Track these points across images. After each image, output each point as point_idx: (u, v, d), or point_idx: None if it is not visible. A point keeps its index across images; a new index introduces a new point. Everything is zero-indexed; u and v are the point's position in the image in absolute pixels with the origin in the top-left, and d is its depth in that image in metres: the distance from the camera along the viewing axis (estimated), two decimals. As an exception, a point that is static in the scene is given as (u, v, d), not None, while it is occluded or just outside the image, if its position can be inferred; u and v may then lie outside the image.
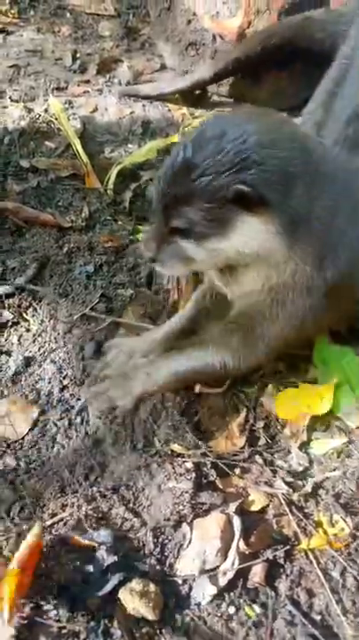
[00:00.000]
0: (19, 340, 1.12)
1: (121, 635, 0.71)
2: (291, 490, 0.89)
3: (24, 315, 1.15)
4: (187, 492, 0.85)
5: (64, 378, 1.06)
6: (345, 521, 0.85)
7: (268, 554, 0.80)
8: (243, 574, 0.79)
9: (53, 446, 0.97)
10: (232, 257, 0.88)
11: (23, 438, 0.99)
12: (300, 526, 0.85)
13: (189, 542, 0.81)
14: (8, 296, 1.16)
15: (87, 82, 1.56)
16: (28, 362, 1.09)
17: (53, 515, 0.83)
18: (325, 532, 0.85)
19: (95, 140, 1.42)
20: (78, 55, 1.64)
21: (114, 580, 0.74)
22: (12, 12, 1.79)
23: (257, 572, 0.78)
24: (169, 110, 1.53)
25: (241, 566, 0.78)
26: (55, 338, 1.11)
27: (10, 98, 1.47)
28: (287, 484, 0.90)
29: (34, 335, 1.13)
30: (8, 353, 1.11)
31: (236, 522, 0.82)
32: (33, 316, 1.15)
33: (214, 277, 0.99)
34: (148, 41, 1.74)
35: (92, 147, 1.39)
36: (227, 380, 1.01)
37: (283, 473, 0.92)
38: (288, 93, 1.48)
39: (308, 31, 1.35)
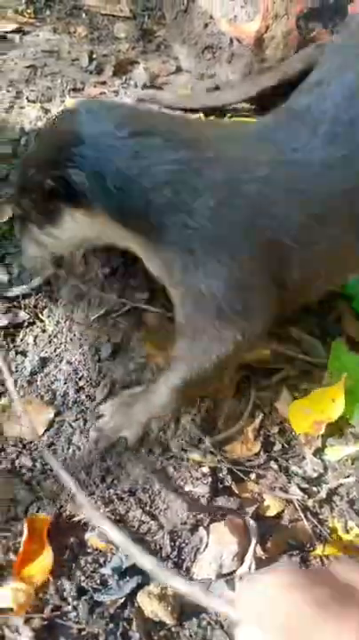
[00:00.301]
0: (34, 341, 1.13)
1: (139, 637, 0.71)
2: (305, 496, 0.90)
3: (40, 315, 1.16)
4: (203, 497, 0.86)
5: (80, 379, 1.07)
6: (359, 528, 0.86)
7: (284, 559, 0.81)
8: (259, 579, 0.79)
9: (69, 447, 0.98)
10: (77, 243, 0.93)
11: (39, 438, 1.00)
12: (315, 532, 0.85)
13: (206, 546, 0.81)
14: (24, 296, 1.17)
15: (103, 83, 1.56)
16: (44, 362, 1.10)
17: (70, 516, 0.84)
18: (340, 539, 0.85)
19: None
20: (94, 56, 1.64)
21: (132, 582, 0.74)
22: (29, 11, 1.79)
23: (273, 578, 0.79)
24: (184, 112, 1.53)
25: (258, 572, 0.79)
26: (71, 339, 1.12)
27: (27, 98, 1.48)
28: (302, 489, 0.91)
29: (49, 336, 1.13)
30: (24, 353, 1.11)
31: (253, 527, 0.82)
32: (49, 316, 1.15)
33: None
34: (164, 43, 1.74)
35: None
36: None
37: (297, 479, 0.93)
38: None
39: None
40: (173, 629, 0.74)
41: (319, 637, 0.24)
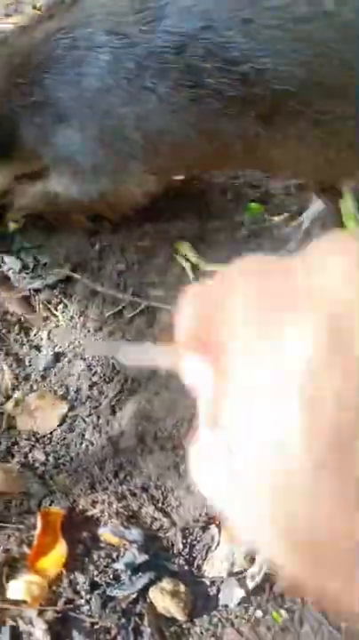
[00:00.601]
0: (48, 336, 1.14)
1: (151, 633, 0.72)
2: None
3: (54, 311, 1.17)
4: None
5: (93, 375, 1.07)
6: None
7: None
8: (269, 579, 0.79)
9: (82, 442, 0.98)
10: None
11: (52, 433, 1.01)
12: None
13: (217, 544, 0.82)
14: (39, 291, 1.18)
15: None
16: (58, 357, 1.10)
17: (84, 511, 0.84)
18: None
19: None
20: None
21: (144, 578, 0.75)
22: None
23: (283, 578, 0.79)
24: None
25: (269, 571, 0.79)
26: (85, 335, 1.12)
27: None
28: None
29: (64, 331, 1.14)
30: (37, 348, 1.12)
31: (265, 526, 0.83)
32: (63, 312, 1.16)
33: None
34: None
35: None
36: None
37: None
38: None
39: None
40: (184, 626, 0.74)
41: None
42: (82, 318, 1.14)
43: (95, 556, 0.77)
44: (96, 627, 0.71)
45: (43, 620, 0.69)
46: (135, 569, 0.76)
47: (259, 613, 0.76)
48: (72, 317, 1.15)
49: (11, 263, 1.18)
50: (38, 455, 0.97)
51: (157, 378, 1.04)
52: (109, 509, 0.84)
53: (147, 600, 0.74)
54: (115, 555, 0.78)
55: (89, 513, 0.84)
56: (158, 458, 0.93)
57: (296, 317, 0.19)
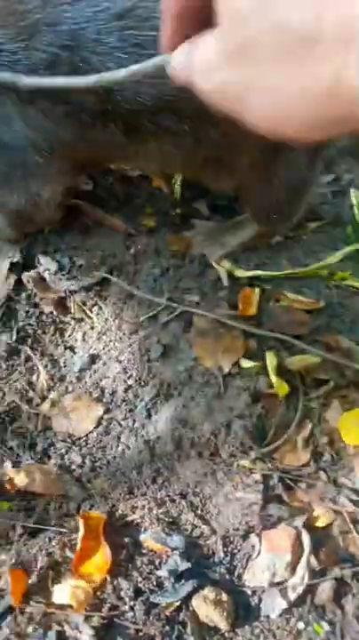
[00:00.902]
0: (83, 338, 1.14)
1: (194, 641, 0.72)
2: (356, 508, 0.89)
3: (88, 312, 1.17)
4: (255, 504, 0.86)
5: (129, 378, 1.07)
6: None
7: (336, 571, 0.81)
8: (311, 590, 0.79)
9: (118, 445, 0.98)
10: None
11: (87, 435, 1.01)
12: (366, 546, 0.85)
13: (258, 554, 0.81)
14: (74, 292, 1.18)
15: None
16: (93, 359, 1.10)
17: (123, 516, 0.84)
18: (390, 554, 0.85)
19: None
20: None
21: (188, 586, 0.75)
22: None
23: (325, 590, 0.79)
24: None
25: (310, 582, 0.79)
26: (120, 337, 1.12)
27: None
28: (352, 501, 0.91)
29: (98, 333, 1.14)
30: (72, 349, 1.12)
31: (306, 537, 0.82)
32: (97, 314, 1.16)
33: None
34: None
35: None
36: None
37: (347, 491, 0.92)
38: None
39: None
40: (227, 635, 0.74)
41: None
42: (117, 321, 1.14)
43: (138, 562, 0.77)
44: (140, 634, 0.71)
45: (90, 626, 0.69)
46: (178, 576, 0.75)
47: (300, 625, 0.76)
48: (107, 320, 1.15)
49: (47, 264, 1.18)
50: (75, 457, 0.97)
51: (193, 383, 1.04)
52: (149, 515, 0.84)
53: (190, 608, 0.74)
54: (157, 561, 0.78)
55: (129, 518, 0.84)
56: (195, 464, 0.93)
57: None
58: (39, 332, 1.14)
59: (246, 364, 1.04)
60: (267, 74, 0.24)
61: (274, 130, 0.26)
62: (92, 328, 1.16)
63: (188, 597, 0.75)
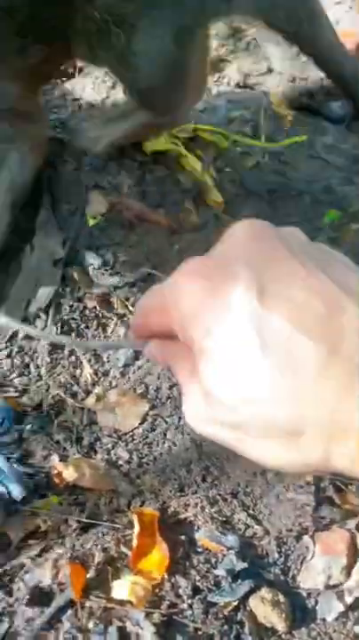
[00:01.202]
0: (126, 334, 1.13)
1: (252, 642, 0.71)
2: None
3: (131, 308, 1.16)
4: (308, 505, 0.85)
5: (173, 375, 1.07)
6: None
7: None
8: (365, 594, 0.79)
9: (164, 442, 0.98)
10: None
11: (133, 431, 1.00)
12: None
13: (312, 556, 0.81)
14: (117, 288, 1.18)
15: (196, 79, 1.56)
16: (136, 356, 1.10)
17: (176, 513, 0.84)
18: None
19: (203, 140, 1.41)
20: (186, 51, 1.64)
21: (245, 586, 0.74)
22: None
23: (380, 594, 0.78)
24: (274, 113, 1.52)
25: (367, 586, 0.78)
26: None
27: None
28: None
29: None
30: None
31: (360, 540, 0.82)
32: (140, 310, 1.16)
33: None
34: (254, 43, 1.73)
35: (201, 146, 1.39)
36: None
37: None
38: None
39: None
40: (284, 637, 0.73)
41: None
42: (160, 318, 1.14)
43: (195, 561, 0.77)
44: (199, 632, 0.70)
45: (151, 623, 0.69)
46: (235, 576, 0.75)
47: (357, 629, 0.75)
48: (150, 316, 1.15)
49: (91, 259, 1.18)
50: (121, 453, 0.97)
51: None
52: (202, 513, 0.83)
53: (248, 608, 0.74)
54: (213, 560, 0.77)
55: (182, 516, 0.83)
56: (244, 464, 0.92)
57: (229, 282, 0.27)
58: (82, 326, 1.13)
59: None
60: (257, 443, 0.27)
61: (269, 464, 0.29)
62: (135, 324, 1.16)
63: (246, 597, 0.74)
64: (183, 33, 1.01)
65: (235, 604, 0.73)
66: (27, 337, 1.11)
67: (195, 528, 0.81)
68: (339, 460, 0.26)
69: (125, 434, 1.00)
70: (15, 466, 0.87)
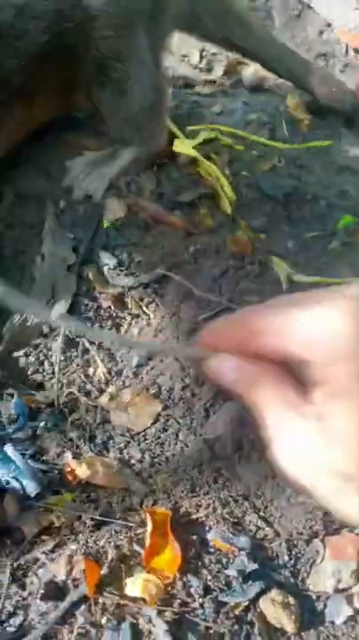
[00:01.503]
0: (139, 334, 1.15)
1: (262, 642, 0.72)
2: None
3: (145, 309, 1.17)
4: (318, 509, 0.86)
5: (186, 376, 1.08)
6: None
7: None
8: (375, 598, 0.79)
9: (176, 443, 0.99)
10: None
11: (145, 431, 1.01)
12: None
13: (322, 559, 0.82)
14: (131, 288, 1.19)
15: (213, 82, 1.57)
16: (150, 356, 1.11)
17: (188, 513, 0.85)
18: None
19: (219, 143, 1.42)
20: (204, 54, 1.65)
21: (256, 587, 0.75)
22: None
23: (389, 599, 0.79)
24: (291, 117, 1.52)
25: (376, 591, 0.79)
26: (178, 336, 1.13)
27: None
28: None
29: (155, 330, 1.15)
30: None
31: (370, 545, 0.83)
32: (154, 311, 1.17)
33: None
34: (271, 46, 1.74)
35: (216, 149, 1.40)
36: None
37: None
38: None
39: None
40: (293, 638, 0.74)
41: None
42: (174, 319, 1.15)
43: (206, 561, 0.78)
44: (210, 631, 0.71)
45: (163, 620, 0.70)
46: (246, 577, 0.76)
47: (365, 633, 0.76)
48: (163, 317, 1.16)
49: (106, 259, 1.19)
50: (134, 452, 0.98)
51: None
52: (214, 514, 0.84)
53: (258, 609, 0.75)
54: (224, 561, 0.78)
55: (194, 516, 0.84)
56: (256, 467, 0.93)
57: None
58: (96, 325, 1.15)
59: (306, 368, 1.04)
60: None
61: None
62: (149, 325, 1.17)
63: (256, 598, 0.75)
64: (157, 55, 1.17)
65: (246, 604, 0.74)
66: (42, 335, 1.13)
67: (207, 528, 0.82)
68: None
69: (138, 433, 1.01)
70: (30, 462, 0.88)
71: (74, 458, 0.94)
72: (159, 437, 1.00)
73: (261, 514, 0.86)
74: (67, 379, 1.08)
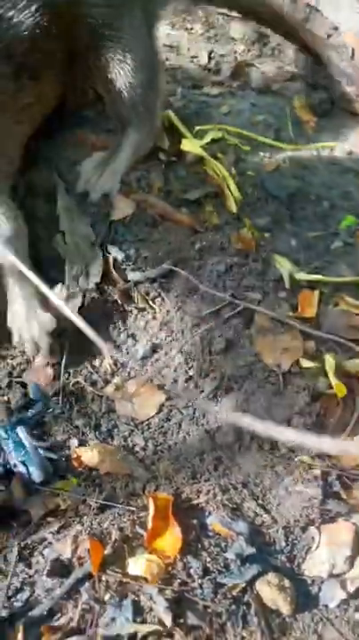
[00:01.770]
0: (144, 327, 1.18)
1: (257, 622, 0.75)
2: None
3: (151, 303, 1.20)
4: (315, 498, 0.89)
5: (190, 368, 1.11)
6: None
7: None
8: (367, 584, 0.82)
9: (179, 432, 1.02)
10: None
11: (149, 420, 1.05)
12: None
13: (318, 546, 0.84)
14: (138, 283, 1.22)
15: (221, 83, 1.60)
16: (155, 348, 1.14)
17: (189, 499, 0.88)
18: None
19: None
20: (213, 55, 1.68)
21: (253, 569, 0.78)
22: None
23: (382, 584, 0.82)
24: (297, 119, 1.55)
25: (369, 576, 0.82)
26: (182, 330, 1.16)
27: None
28: None
29: (160, 324, 1.18)
30: (134, 337, 1.16)
31: (364, 533, 0.85)
32: (160, 305, 1.20)
33: None
34: (278, 48, 1.77)
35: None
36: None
37: None
38: None
39: None
40: (287, 619, 0.77)
41: None
42: (179, 313, 1.18)
43: (206, 544, 0.81)
44: (208, 610, 0.74)
45: (164, 598, 0.73)
46: (243, 560, 0.79)
47: (357, 616, 0.79)
48: (169, 311, 1.19)
49: (114, 253, 1.22)
50: (138, 440, 1.01)
51: (254, 378, 1.07)
52: (214, 500, 0.87)
53: (255, 591, 0.78)
54: (223, 544, 0.81)
55: (194, 501, 0.87)
56: (255, 456, 0.96)
57: None
58: (103, 318, 1.18)
59: (306, 363, 1.07)
60: None
61: None
62: (154, 318, 1.20)
63: (253, 580, 0.78)
64: (152, 31, 1.21)
65: (243, 585, 0.77)
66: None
67: (207, 513, 0.85)
68: None
69: (142, 422, 1.04)
70: (40, 451, 0.91)
71: (80, 445, 0.98)
72: (162, 426, 1.03)
73: (259, 501, 0.89)
74: (75, 368, 1.11)
